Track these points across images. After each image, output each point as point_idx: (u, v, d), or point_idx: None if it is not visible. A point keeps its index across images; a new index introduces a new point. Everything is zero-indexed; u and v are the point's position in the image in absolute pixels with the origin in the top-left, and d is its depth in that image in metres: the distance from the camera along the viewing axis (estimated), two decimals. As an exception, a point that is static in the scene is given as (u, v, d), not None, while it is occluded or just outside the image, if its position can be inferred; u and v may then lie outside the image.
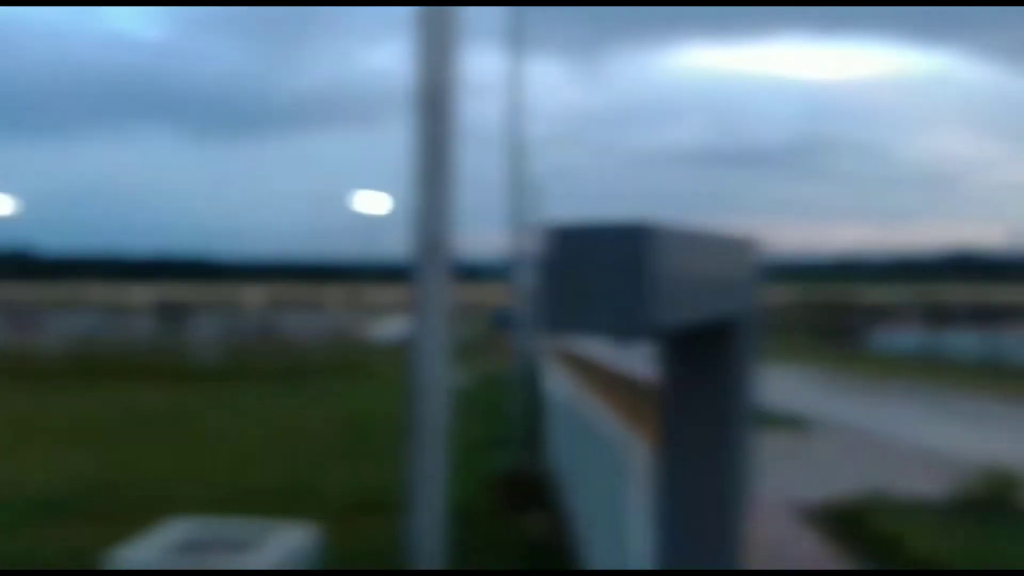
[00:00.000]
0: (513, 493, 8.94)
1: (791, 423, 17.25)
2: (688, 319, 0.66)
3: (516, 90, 10.07)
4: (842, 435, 16.18)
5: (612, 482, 4.42)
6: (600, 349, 9.38)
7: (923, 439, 15.65)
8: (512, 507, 8.56)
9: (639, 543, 3.45)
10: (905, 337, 42.10)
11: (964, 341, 35.94)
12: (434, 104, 2.04)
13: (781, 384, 27.81)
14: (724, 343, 0.84)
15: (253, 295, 62.93)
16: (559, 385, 10.02)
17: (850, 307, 50.53)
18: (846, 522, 8.92)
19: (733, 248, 0.84)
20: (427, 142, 2.03)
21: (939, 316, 40.21)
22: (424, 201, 2.06)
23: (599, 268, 0.56)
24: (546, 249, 0.57)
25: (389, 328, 40.25)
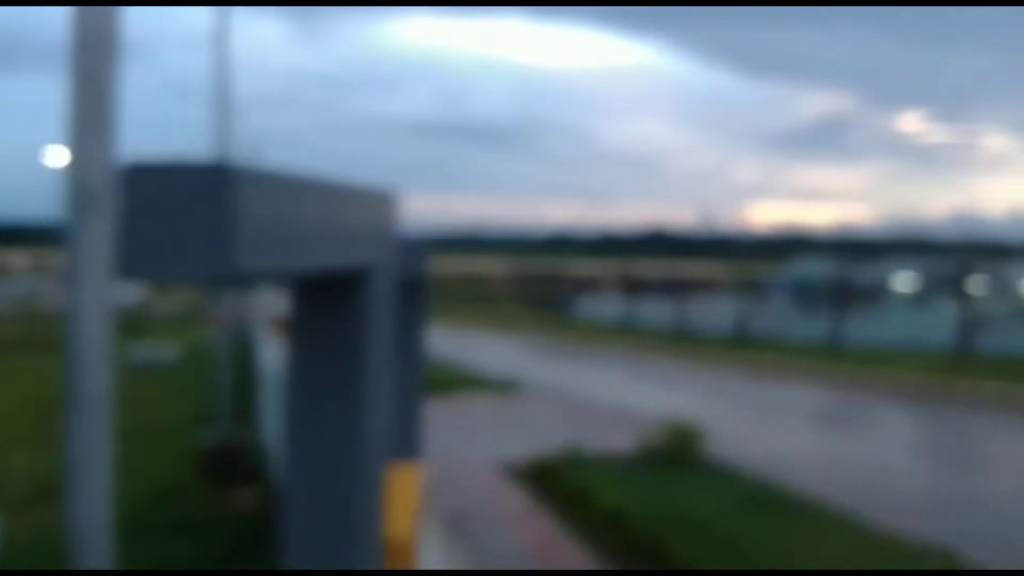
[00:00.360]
0: (221, 469, 8.62)
1: (502, 386, 18.10)
2: (292, 266, 0.64)
3: (223, 45, 9.62)
4: (547, 396, 17.22)
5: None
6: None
7: (618, 398, 17.07)
8: (220, 483, 8.25)
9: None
10: (608, 307, 45.65)
11: (658, 311, 39.51)
12: (90, 49, 1.84)
13: (495, 350, 29.05)
14: (355, 291, 0.83)
15: (-80, 260, 54.99)
16: (270, 353, 9.77)
17: (560, 279, 53.69)
18: (544, 478, 9.53)
19: (364, 202, 0.83)
20: (82, 90, 1.83)
21: (637, 288, 43.75)
22: (79, 153, 1.86)
23: (179, 209, 0.52)
24: (122, 189, 0.54)
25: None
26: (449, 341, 32.48)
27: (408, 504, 1.61)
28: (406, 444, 2.25)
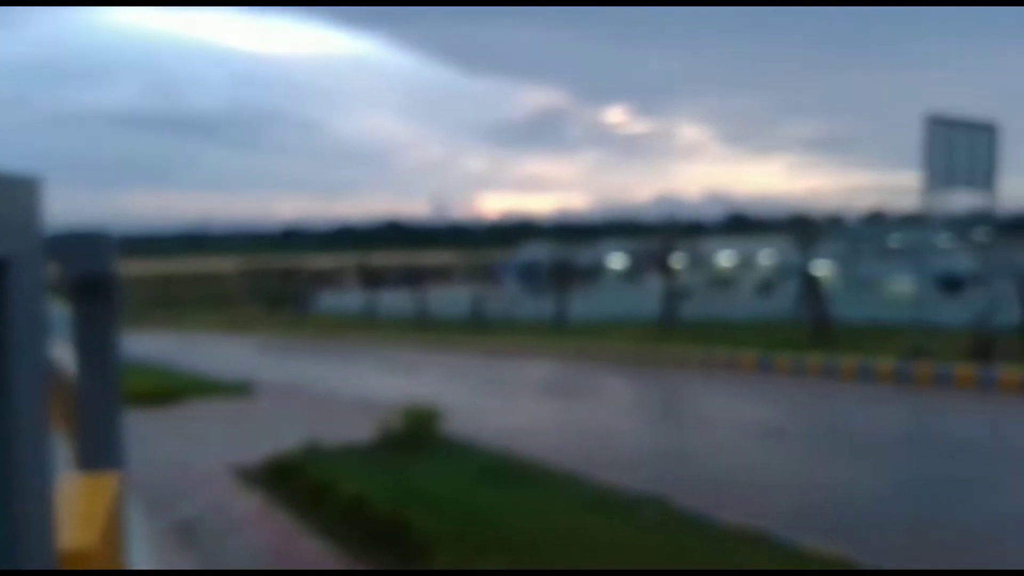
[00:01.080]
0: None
1: (235, 389, 17.44)
2: None
3: None
4: (284, 395, 16.85)
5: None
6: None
7: (358, 389, 17.07)
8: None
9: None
10: (347, 299, 45.35)
11: (397, 300, 39.82)
12: None
13: (229, 352, 27.89)
14: None
15: None
16: None
17: (296, 274, 52.48)
18: (282, 476, 9.38)
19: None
20: None
21: (375, 279, 43.77)
22: None
23: None
24: None
25: None
26: (178, 346, 30.70)
27: (96, 515, 1.56)
28: (104, 454, 2.14)
